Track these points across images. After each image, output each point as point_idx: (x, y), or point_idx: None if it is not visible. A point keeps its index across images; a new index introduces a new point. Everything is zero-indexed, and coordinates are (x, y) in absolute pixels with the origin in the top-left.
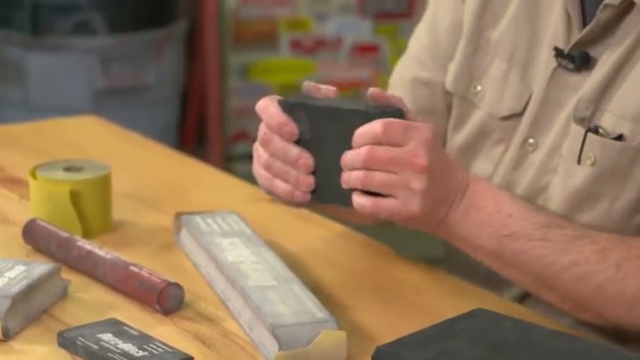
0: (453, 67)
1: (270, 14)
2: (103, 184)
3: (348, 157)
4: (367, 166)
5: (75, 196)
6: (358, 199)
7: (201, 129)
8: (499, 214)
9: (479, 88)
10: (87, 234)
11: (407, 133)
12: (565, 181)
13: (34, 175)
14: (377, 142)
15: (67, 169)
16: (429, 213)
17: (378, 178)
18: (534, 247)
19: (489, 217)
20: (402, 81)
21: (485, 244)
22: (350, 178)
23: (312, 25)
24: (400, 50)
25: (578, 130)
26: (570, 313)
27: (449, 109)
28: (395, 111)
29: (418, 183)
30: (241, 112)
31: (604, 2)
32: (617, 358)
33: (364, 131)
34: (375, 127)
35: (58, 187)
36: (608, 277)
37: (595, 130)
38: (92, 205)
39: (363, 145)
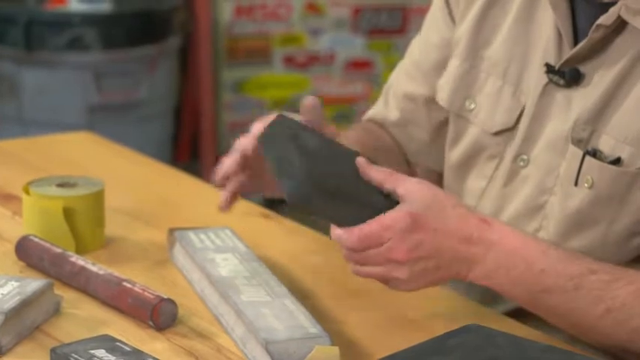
0: (446, 85)
1: (263, 30)
2: (97, 200)
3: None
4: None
5: (68, 212)
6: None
7: (195, 144)
8: (531, 271)
9: (473, 105)
10: (80, 250)
11: (382, 237)
12: (563, 203)
13: (27, 191)
14: (355, 249)
15: (61, 185)
16: (429, 282)
17: (365, 271)
18: (567, 300)
19: (521, 276)
20: (393, 91)
21: (519, 298)
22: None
23: (305, 40)
24: (393, 66)
25: (575, 152)
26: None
27: (433, 121)
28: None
29: (400, 273)
30: (235, 127)
31: (597, 22)
32: None
33: (340, 237)
34: (352, 240)
35: (51, 204)
36: None
37: (593, 154)
38: (85, 221)
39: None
